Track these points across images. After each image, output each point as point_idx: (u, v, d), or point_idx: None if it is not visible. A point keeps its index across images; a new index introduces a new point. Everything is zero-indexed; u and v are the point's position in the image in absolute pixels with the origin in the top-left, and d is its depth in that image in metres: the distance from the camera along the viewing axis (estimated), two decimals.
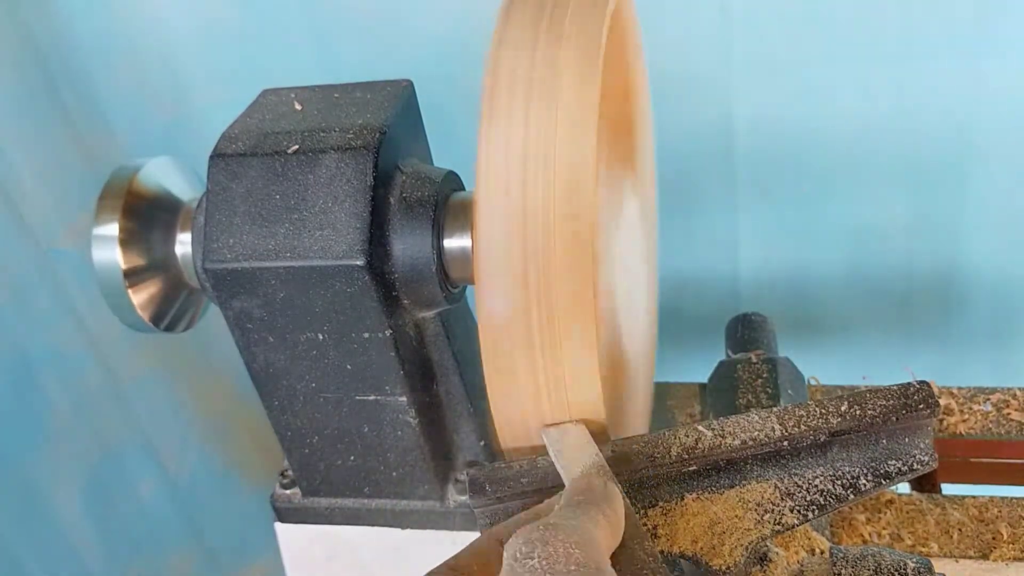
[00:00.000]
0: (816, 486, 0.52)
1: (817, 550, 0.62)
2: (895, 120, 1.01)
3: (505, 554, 0.40)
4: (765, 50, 0.99)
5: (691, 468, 0.52)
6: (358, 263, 0.54)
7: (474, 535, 0.63)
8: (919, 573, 0.53)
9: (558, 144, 0.49)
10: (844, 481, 0.52)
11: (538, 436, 0.53)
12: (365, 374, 0.59)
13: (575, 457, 0.50)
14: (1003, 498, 0.71)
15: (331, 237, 0.55)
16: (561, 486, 0.51)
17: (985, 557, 0.68)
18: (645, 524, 0.51)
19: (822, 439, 0.51)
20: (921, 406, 0.51)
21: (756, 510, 0.52)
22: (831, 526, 0.70)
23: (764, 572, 0.56)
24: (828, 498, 0.52)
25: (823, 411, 0.52)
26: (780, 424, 0.52)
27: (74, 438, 1.08)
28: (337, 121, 0.58)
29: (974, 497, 0.72)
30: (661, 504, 0.52)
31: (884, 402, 0.52)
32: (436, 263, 0.57)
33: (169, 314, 0.64)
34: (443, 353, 0.63)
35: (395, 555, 0.68)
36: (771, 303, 1.15)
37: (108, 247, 0.61)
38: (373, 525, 0.67)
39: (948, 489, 0.76)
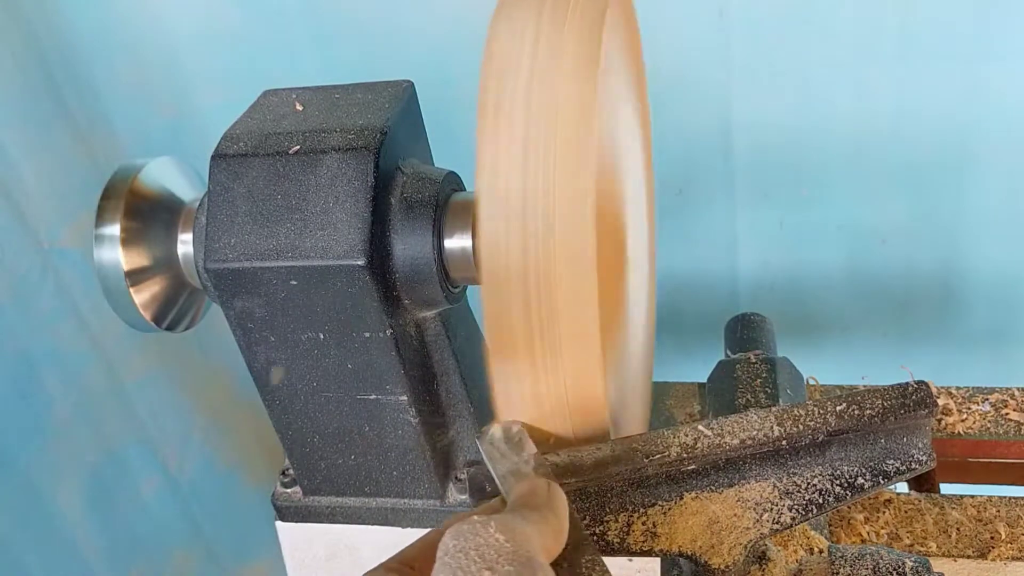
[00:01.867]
0: (815, 485, 0.52)
1: (816, 549, 0.62)
2: (894, 122, 1.01)
3: (440, 554, 0.40)
4: (763, 52, 0.99)
5: (690, 467, 0.52)
6: (359, 263, 0.55)
7: None
8: (917, 572, 0.53)
9: (558, 143, 0.49)
10: (843, 480, 0.52)
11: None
12: (366, 373, 0.60)
13: (508, 461, 0.50)
14: (1001, 498, 0.72)
15: (332, 237, 0.55)
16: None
17: (983, 556, 0.68)
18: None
19: (820, 439, 0.51)
20: (919, 406, 0.51)
21: (755, 509, 0.52)
22: (829, 525, 0.71)
23: (763, 571, 0.56)
24: (827, 497, 0.52)
25: (821, 411, 0.52)
26: (779, 424, 0.52)
27: (76, 437, 1.08)
28: (338, 122, 0.58)
29: (972, 497, 0.72)
30: (660, 503, 0.52)
31: (882, 402, 0.52)
32: (437, 263, 0.57)
33: (171, 314, 0.64)
34: (444, 353, 0.63)
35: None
36: (770, 303, 1.15)
37: (110, 247, 0.61)
38: (374, 524, 0.67)
39: (946, 489, 0.76)
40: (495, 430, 0.52)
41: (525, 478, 0.49)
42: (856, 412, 0.52)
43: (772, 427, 0.52)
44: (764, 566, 0.56)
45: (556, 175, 0.49)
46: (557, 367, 0.51)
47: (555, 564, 0.44)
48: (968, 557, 0.68)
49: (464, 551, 0.39)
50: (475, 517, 0.41)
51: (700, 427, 0.52)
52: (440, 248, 0.57)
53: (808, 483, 0.52)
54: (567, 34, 0.51)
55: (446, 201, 0.59)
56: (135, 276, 0.62)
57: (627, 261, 0.68)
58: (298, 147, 0.57)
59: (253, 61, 1.06)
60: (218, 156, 0.58)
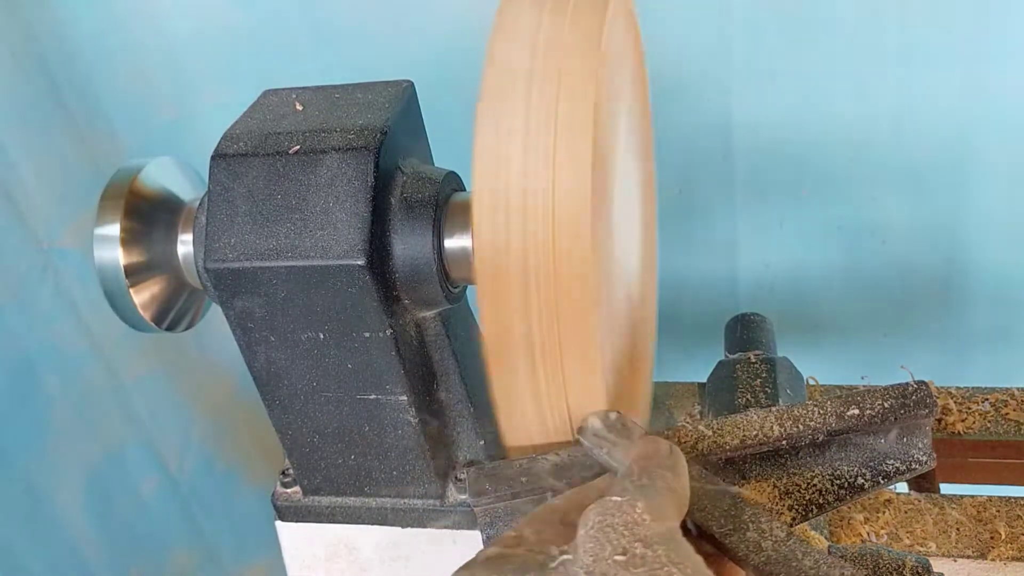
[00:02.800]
0: (815, 486, 0.52)
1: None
2: (894, 122, 1.01)
3: (583, 527, 0.40)
4: (764, 52, 0.99)
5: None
6: (359, 263, 0.55)
7: (474, 534, 0.63)
8: (917, 572, 0.53)
9: (557, 142, 0.49)
10: (842, 481, 0.52)
11: (539, 435, 0.54)
12: (366, 373, 0.60)
13: (623, 447, 0.50)
14: (1001, 498, 0.72)
15: (332, 237, 0.55)
16: (563, 483, 0.51)
17: (983, 556, 0.68)
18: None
19: (820, 439, 0.51)
20: (919, 406, 0.51)
21: None
22: (829, 525, 0.70)
23: None
24: (826, 497, 0.52)
25: (821, 411, 0.52)
26: (779, 424, 0.52)
27: (75, 437, 1.08)
28: (338, 122, 0.58)
29: (972, 497, 0.72)
30: None
31: (882, 402, 0.52)
32: (436, 263, 0.57)
33: (171, 314, 0.64)
34: (444, 353, 0.63)
35: (395, 553, 0.68)
36: (770, 303, 1.15)
37: (110, 247, 0.61)
38: (373, 524, 0.67)
39: (946, 489, 0.76)
40: (592, 422, 0.51)
41: (644, 440, 0.48)
42: (856, 412, 0.52)
43: (772, 427, 0.52)
44: None
45: (556, 175, 0.49)
46: (557, 368, 0.51)
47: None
48: (968, 557, 0.68)
49: (612, 526, 0.40)
50: (617, 493, 0.41)
51: (700, 427, 0.52)
52: (440, 248, 0.57)
53: (808, 483, 0.52)
54: (567, 34, 0.51)
55: (446, 201, 0.59)
56: (135, 276, 0.62)
57: (628, 260, 0.68)
58: (298, 147, 0.57)
59: (253, 61, 1.06)
60: (218, 156, 0.58)
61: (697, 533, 0.46)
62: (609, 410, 0.52)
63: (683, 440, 0.52)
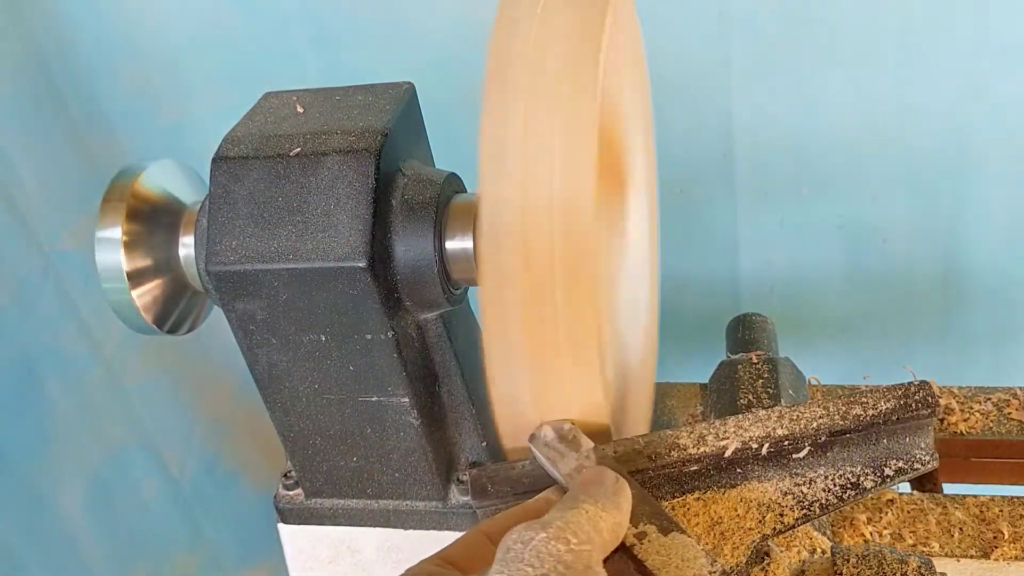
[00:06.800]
0: (817, 486, 0.52)
1: (819, 549, 0.62)
2: (894, 121, 1.01)
3: (499, 549, 0.40)
4: (764, 52, 0.99)
5: (693, 468, 0.52)
6: (360, 265, 0.55)
7: None
8: (920, 572, 0.53)
9: (558, 143, 0.49)
10: (845, 481, 0.52)
11: None
12: (367, 375, 0.60)
13: (570, 459, 0.50)
14: (1004, 497, 0.71)
15: (333, 239, 0.55)
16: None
17: (986, 556, 0.68)
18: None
19: (823, 439, 0.51)
20: (921, 406, 0.51)
21: (758, 510, 0.52)
22: (832, 525, 0.70)
23: (766, 571, 0.56)
24: (829, 497, 0.52)
25: (824, 411, 0.52)
26: (781, 424, 0.52)
27: (77, 439, 1.08)
28: (339, 124, 0.58)
29: (975, 496, 0.72)
30: (663, 504, 0.52)
31: (884, 402, 0.52)
32: (438, 265, 0.57)
33: (172, 316, 0.64)
34: (445, 354, 0.63)
35: (398, 555, 0.68)
36: (771, 303, 1.15)
37: (111, 249, 0.61)
38: (376, 526, 0.67)
39: (949, 488, 0.76)
40: (545, 432, 0.52)
41: (593, 469, 0.49)
42: (858, 412, 0.52)
43: (774, 428, 0.52)
44: (767, 567, 0.56)
45: (558, 177, 0.49)
46: (557, 370, 0.51)
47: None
48: (971, 557, 0.68)
49: (521, 556, 0.40)
50: (539, 520, 0.41)
51: (702, 428, 0.52)
52: (441, 250, 0.57)
53: (811, 483, 0.52)
54: (569, 35, 0.51)
55: (447, 203, 0.59)
56: (136, 279, 0.62)
57: (629, 261, 0.68)
58: (299, 149, 0.57)
59: (254, 63, 1.06)
60: (219, 158, 0.58)
61: (630, 559, 0.46)
62: (563, 421, 0.52)
63: (685, 441, 0.52)
